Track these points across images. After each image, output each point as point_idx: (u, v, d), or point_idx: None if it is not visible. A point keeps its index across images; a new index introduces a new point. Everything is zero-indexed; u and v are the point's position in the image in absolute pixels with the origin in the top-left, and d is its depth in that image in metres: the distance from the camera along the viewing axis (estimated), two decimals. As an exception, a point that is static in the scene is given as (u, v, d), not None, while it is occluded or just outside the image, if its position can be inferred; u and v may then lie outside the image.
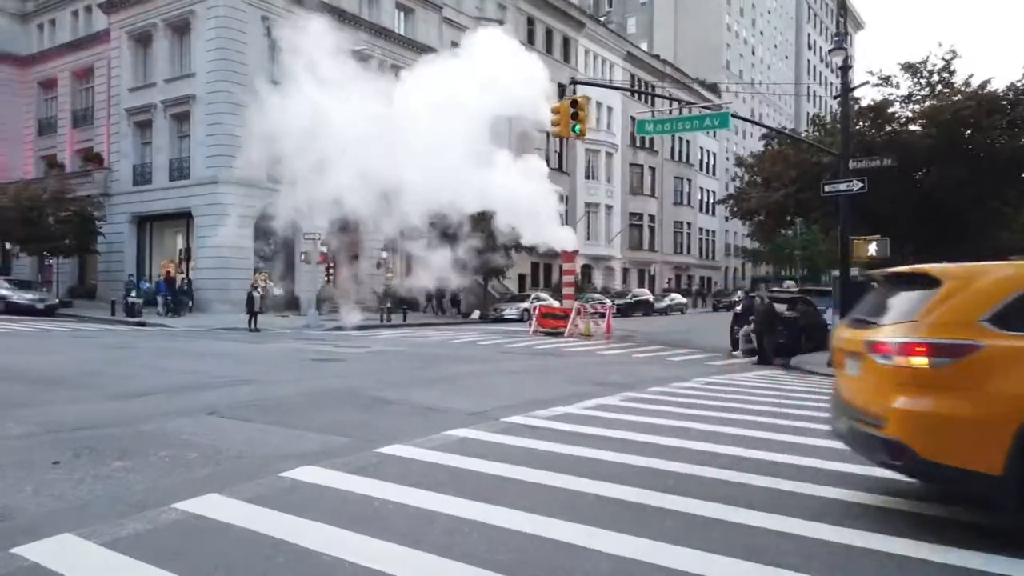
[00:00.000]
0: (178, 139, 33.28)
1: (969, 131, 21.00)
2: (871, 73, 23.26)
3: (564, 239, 24.72)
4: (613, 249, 58.74)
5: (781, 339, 20.19)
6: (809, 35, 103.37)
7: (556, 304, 28.31)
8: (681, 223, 69.04)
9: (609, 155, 58.18)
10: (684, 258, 70.20)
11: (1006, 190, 22.79)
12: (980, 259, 20.70)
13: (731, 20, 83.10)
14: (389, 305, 36.84)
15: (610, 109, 59.86)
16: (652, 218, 64.27)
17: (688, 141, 70.42)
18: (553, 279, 52.07)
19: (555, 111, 15.46)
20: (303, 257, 30.82)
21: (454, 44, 45.97)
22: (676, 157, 68.40)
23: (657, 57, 68.76)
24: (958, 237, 25.70)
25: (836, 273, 19.19)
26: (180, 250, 34.72)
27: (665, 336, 25.51)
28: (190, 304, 30.75)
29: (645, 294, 48.62)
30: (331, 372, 12.37)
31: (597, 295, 42.38)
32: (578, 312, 24.09)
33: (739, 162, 27.11)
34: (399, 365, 14.07)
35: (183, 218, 33.25)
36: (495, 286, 42.42)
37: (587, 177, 56.41)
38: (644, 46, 76.13)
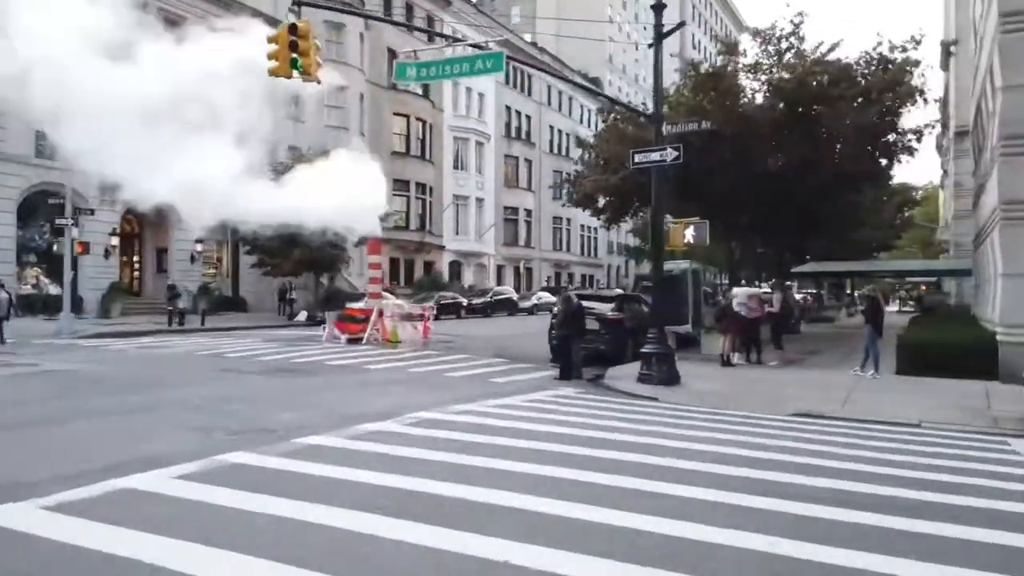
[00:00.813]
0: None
1: (816, 105, 18.35)
2: (716, 39, 20.34)
3: (361, 220, 20.11)
4: (485, 245, 55.24)
5: (603, 346, 16.99)
6: (694, 35, 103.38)
7: (401, 303, 24.06)
8: (560, 219, 66.27)
9: (480, 144, 54.59)
10: (564, 255, 67.59)
11: (857, 175, 20.40)
12: (837, 254, 17.88)
13: (613, 12, 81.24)
14: (205, 307, 31.93)
15: (482, 96, 56.34)
16: (529, 213, 61.21)
17: (568, 134, 67.79)
18: (417, 273, 48.00)
19: (271, 40, 11.42)
20: (56, 247, 25.47)
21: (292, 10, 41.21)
22: (555, 150, 65.62)
23: (535, 45, 65.74)
24: (812, 229, 23.35)
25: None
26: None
27: (491, 342, 21.94)
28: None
29: (508, 292, 45.20)
30: None
31: (448, 293, 38.63)
32: (380, 315, 20.09)
33: (579, 143, 23.88)
34: None
35: (-74, 201, 27.19)
36: (340, 283, 37.95)
37: (456, 167, 52.62)
38: (527, 37, 73.16)
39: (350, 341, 19.78)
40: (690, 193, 20.92)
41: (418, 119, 47.45)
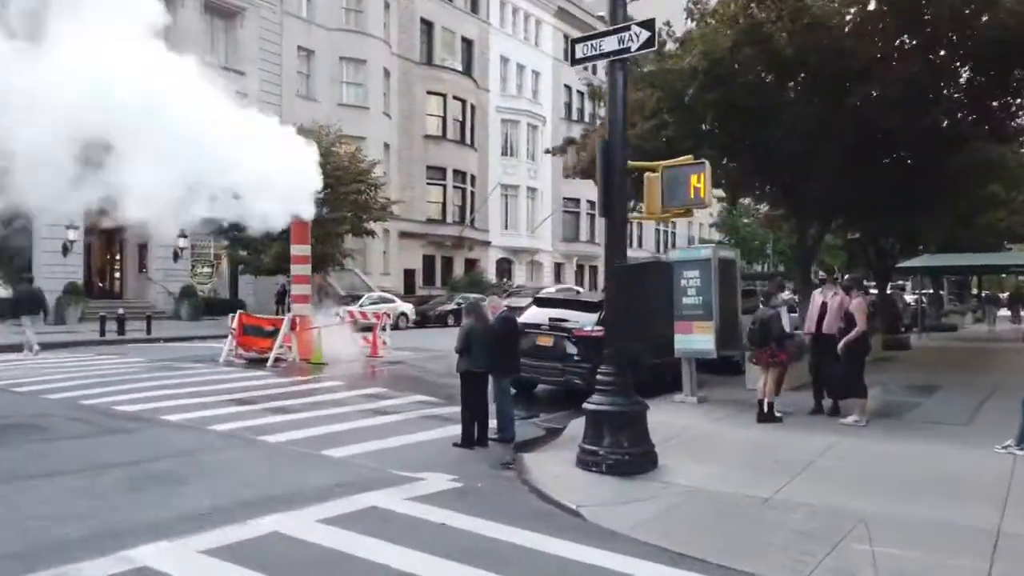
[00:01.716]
0: None
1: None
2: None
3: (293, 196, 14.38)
4: (540, 240, 49.32)
5: (578, 379, 11.01)
6: None
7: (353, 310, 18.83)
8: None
9: (533, 128, 48.60)
10: (635, 252, 60.38)
11: (998, 118, 13.37)
12: (959, 243, 10.33)
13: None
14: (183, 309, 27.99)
15: (536, 74, 50.44)
16: (592, 204, 54.59)
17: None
18: (457, 270, 42.42)
19: None
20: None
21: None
22: (624, 135, 58.86)
23: (602, 18, 59.12)
24: (928, 203, 16.31)
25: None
26: None
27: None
28: None
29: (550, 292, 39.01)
30: None
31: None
32: (293, 326, 14.64)
33: (593, 93, 17.74)
34: None
35: None
36: (346, 283, 33.06)
37: (504, 154, 46.93)
38: (602, 12, 66.72)
39: (253, 362, 14.48)
40: (737, 147, 14.55)
41: (457, 99, 42.04)
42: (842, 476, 6.72)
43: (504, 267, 47.46)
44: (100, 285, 31.61)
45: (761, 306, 9.46)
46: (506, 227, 47.12)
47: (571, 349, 11.14)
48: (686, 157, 8.41)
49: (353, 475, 6.64)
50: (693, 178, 7.23)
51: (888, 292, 23.71)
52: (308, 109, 31.59)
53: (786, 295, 13.29)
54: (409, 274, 40.35)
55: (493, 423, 8.52)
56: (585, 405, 7.13)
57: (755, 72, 13.13)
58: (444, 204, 41.43)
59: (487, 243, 45.06)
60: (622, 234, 7.12)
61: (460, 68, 42.85)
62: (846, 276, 9.44)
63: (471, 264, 43.76)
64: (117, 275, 30.72)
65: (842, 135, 12.98)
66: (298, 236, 15.78)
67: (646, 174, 7.87)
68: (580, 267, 55.09)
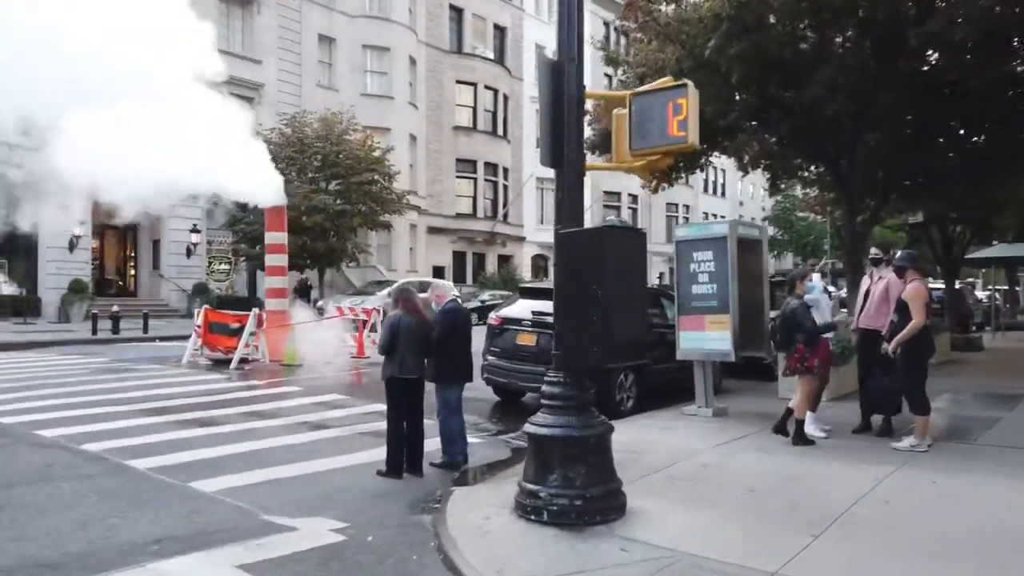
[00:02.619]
0: None
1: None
2: None
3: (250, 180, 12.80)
4: (578, 235, 47.03)
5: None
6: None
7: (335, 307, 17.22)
8: (676, 206, 56.79)
9: (570, 118, 46.36)
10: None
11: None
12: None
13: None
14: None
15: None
16: (634, 198, 52.34)
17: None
18: (489, 267, 40.54)
19: None
20: None
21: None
22: (669, 125, 56.21)
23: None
24: (988, 181, 13.73)
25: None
26: None
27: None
28: None
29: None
30: None
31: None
32: (260, 323, 13.01)
33: (607, 58, 15.74)
34: None
35: None
36: (367, 279, 31.58)
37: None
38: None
39: (218, 363, 12.91)
40: (773, 114, 12.38)
41: (488, 88, 40.21)
42: (889, 533, 4.64)
43: (540, 264, 45.45)
44: (120, 283, 30.85)
45: (787, 297, 7.36)
46: (542, 222, 45.07)
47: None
48: (664, 80, 6.40)
49: (201, 521, 4.86)
50: (670, 107, 5.25)
51: (957, 286, 21.03)
52: (329, 99, 30.26)
53: (824, 283, 11.10)
54: (438, 271, 38.66)
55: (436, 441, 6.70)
56: (526, 427, 5.21)
57: (789, 17, 10.97)
58: (475, 198, 39.69)
59: (521, 239, 43.17)
60: (576, 191, 5.16)
61: (492, 56, 41.03)
62: (898, 253, 7.20)
63: (504, 260, 41.93)
64: (132, 272, 29.86)
65: (897, 90, 10.71)
66: (272, 223, 14.16)
67: (614, 111, 5.93)
68: (622, 264, 52.67)
